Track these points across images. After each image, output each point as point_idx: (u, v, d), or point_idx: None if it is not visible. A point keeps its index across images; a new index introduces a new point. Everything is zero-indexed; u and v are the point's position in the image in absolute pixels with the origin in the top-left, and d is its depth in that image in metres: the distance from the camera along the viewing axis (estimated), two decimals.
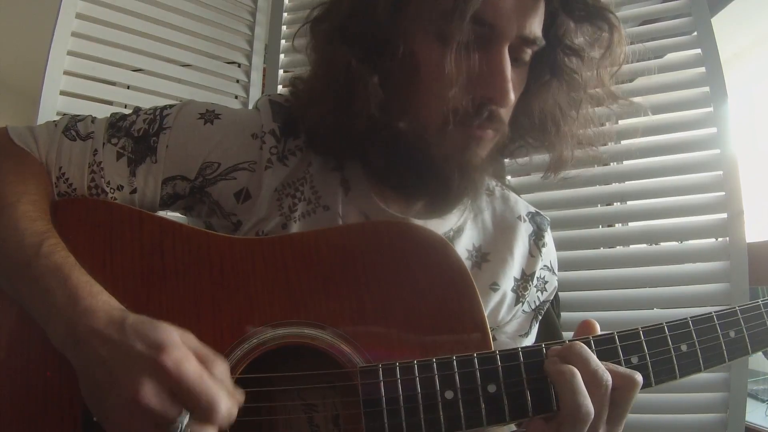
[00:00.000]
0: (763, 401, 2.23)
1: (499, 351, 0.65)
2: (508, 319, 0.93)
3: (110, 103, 1.73)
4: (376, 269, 0.72)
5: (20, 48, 3.56)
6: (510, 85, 0.74)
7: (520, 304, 0.94)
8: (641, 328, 0.67)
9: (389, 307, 0.71)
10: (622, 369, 0.64)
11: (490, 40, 0.73)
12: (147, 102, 1.72)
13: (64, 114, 1.56)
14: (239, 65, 1.99)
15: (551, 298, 0.99)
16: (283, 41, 2.01)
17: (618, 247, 1.71)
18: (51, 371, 0.68)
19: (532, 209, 1.00)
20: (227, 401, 0.59)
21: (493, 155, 0.87)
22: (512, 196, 1.00)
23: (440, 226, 0.89)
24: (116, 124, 0.84)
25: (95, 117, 0.85)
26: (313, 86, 0.83)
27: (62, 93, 1.59)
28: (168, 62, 1.83)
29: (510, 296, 0.92)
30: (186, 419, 0.57)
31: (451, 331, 0.70)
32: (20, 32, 3.42)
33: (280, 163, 0.84)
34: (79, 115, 0.86)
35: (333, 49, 0.77)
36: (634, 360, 0.66)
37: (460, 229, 0.91)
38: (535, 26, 0.76)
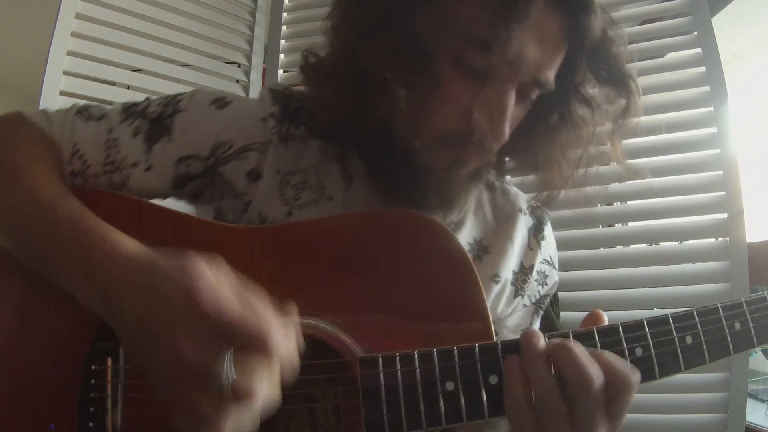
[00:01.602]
0: (763, 401, 2.22)
1: (501, 342, 0.64)
2: (508, 312, 0.93)
3: (110, 103, 1.72)
4: (377, 258, 0.72)
5: (20, 48, 3.56)
6: (507, 125, 0.74)
7: (520, 297, 0.93)
8: (646, 319, 0.65)
9: (390, 296, 0.70)
10: (617, 366, 0.61)
11: (500, 75, 0.72)
12: None
13: None
14: (239, 65, 1.99)
15: (552, 292, 0.98)
16: (283, 41, 2.02)
17: (618, 247, 1.71)
18: (49, 365, 0.68)
19: (533, 202, 1.00)
20: (280, 330, 0.56)
21: (478, 174, 0.87)
22: (512, 189, 1.00)
23: (445, 217, 0.88)
24: (129, 109, 0.85)
25: (106, 106, 0.87)
26: (335, 66, 0.82)
27: (62, 93, 1.60)
28: (168, 62, 1.83)
29: (509, 289, 0.91)
30: (231, 361, 0.52)
31: (453, 321, 0.69)
32: (20, 32, 3.42)
33: (280, 144, 0.84)
34: (89, 103, 0.86)
35: (364, 49, 0.74)
36: (638, 352, 0.64)
37: (461, 222, 0.91)
38: (553, 72, 0.76)
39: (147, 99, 0.88)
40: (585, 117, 0.85)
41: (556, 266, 0.99)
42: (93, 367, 0.67)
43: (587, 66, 0.80)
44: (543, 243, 0.96)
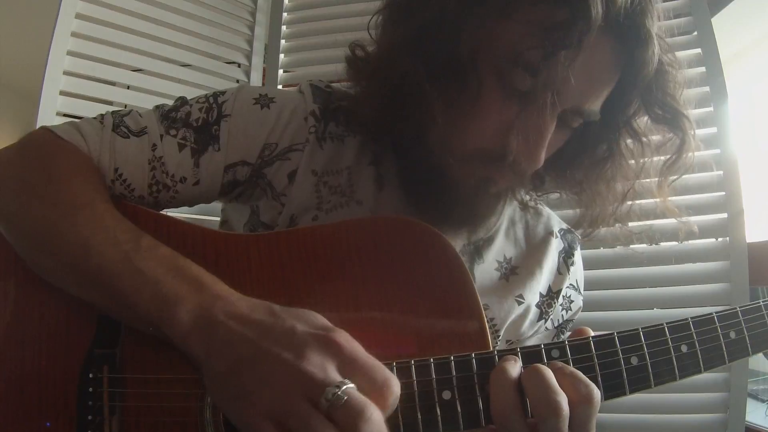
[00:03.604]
0: (763, 401, 2.22)
1: (497, 351, 0.64)
2: (529, 333, 0.92)
3: (110, 103, 1.72)
4: (373, 264, 0.72)
5: (20, 48, 3.56)
6: (543, 153, 0.72)
7: (543, 320, 0.92)
8: (641, 328, 0.66)
9: (385, 302, 0.70)
10: (581, 388, 0.60)
11: (543, 101, 0.69)
12: (147, 102, 1.73)
13: (65, 114, 1.58)
14: (239, 65, 1.98)
15: (575, 317, 0.97)
16: (283, 41, 2.01)
17: (618, 246, 1.71)
18: (45, 372, 0.68)
19: (564, 226, 0.99)
20: (398, 390, 0.57)
21: (507, 194, 0.86)
22: (546, 211, 1.00)
23: (471, 234, 0.88)
24: (169, 116, 0.81)
25: (138, 110, 0.83)
26: (377, 66, 0.80)
27: (62, 93, 1.59)
28: (168, 62, 1.82)
29: (534, 311, 0.91)
30: (349, 385, 0.54)
31: (449, 325, 0.69)
32: (20, 32, 3.42)
33: (317, 144, 0.83)
34: (120, 110, 0.83)
35: (403, 58, 0.73)
36: (634, 360, 0.65)
37: (490, 239, 0.90)
38: (597, 103, 0.73)
39: (182, 100, 0.84)
40: (633, 151, 0.82)
41: (581, 291, 0.98)
42: (90, 375, 0.67)
43: (641, 101, 0.77)
44: (572, 268, 0.95)
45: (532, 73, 0.67)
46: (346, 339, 0.57)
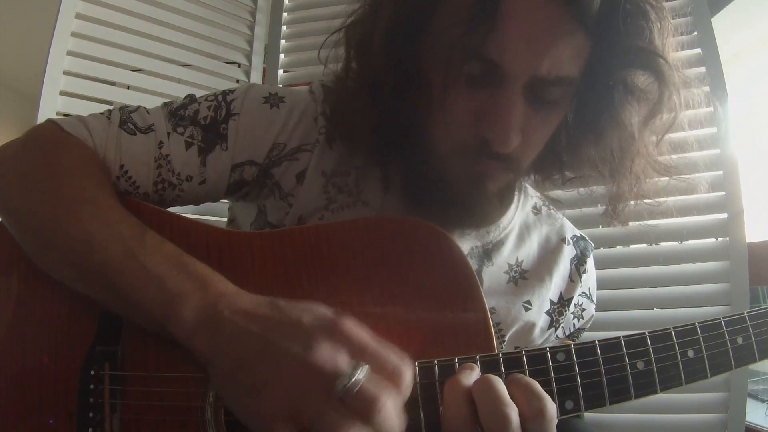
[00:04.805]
0: (763, 401, 2.23)
1: (502, 354, 0.63)
2: (539, 342, 0.91)
3: (110, 103, 1.72)
4: (376, 264, 0.71)
5: (20, 48, 3.55)
6: (512, 131, 0.68)
7: (553, 328, 0.91)
8: (648, 332, 0.65)
9: (388, 302, 0.69)
10: (535, 401, 0.57)
11: (497, 79, 0.67)
12: (147, 102, 1.71)
13: (65, 114, 1.57)
14: (239, 65, 1.99)
15: (587, 325, 0.96)
16: (283, 41, 2.01)
17: (618, 247, 1.71)
18: (47, 369, 0.68)
19: (578, 233, 0.98)
20: (411, 374, 0.57)
21: (510, 190, 0.85)
22: (559, 216, 0.98)
23: (481, 237, 0.87)
24: (177, 113, 0.81)
25: (146, 107, 0.82)
26: (354, 80, 0.81)
27: (62, 93, 1.59)
28: (168, 62, 1.83)
29: (544, 319, 0.89)
30: (364, 370, 0.53)
31: (453, 326, 0.68)
32: (20, 32, 3.42)
33: (326, 144, 0.82)
34: (128, 106, 0.82)
35: (371, 65, 0.74)
36: (640, 365, 0.64)
37: (501, 243, 0.89)
38: (558, 64, 0.67)
39: (191, 98, 0.84)
40: (632, 111, 0.75)
41: (594, 299, 0.97)
42: (91, 372, 0.67)
43: (607, 53, 0.69)
44: (584, 276, 0.94)
45: (473, 55, 0.66)
46: (353, 326, 0.57)
